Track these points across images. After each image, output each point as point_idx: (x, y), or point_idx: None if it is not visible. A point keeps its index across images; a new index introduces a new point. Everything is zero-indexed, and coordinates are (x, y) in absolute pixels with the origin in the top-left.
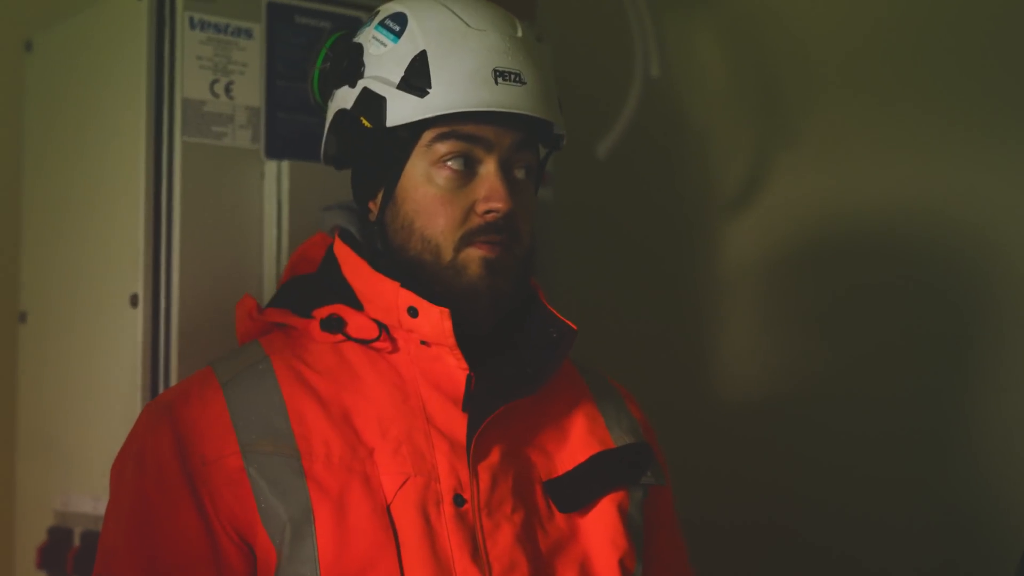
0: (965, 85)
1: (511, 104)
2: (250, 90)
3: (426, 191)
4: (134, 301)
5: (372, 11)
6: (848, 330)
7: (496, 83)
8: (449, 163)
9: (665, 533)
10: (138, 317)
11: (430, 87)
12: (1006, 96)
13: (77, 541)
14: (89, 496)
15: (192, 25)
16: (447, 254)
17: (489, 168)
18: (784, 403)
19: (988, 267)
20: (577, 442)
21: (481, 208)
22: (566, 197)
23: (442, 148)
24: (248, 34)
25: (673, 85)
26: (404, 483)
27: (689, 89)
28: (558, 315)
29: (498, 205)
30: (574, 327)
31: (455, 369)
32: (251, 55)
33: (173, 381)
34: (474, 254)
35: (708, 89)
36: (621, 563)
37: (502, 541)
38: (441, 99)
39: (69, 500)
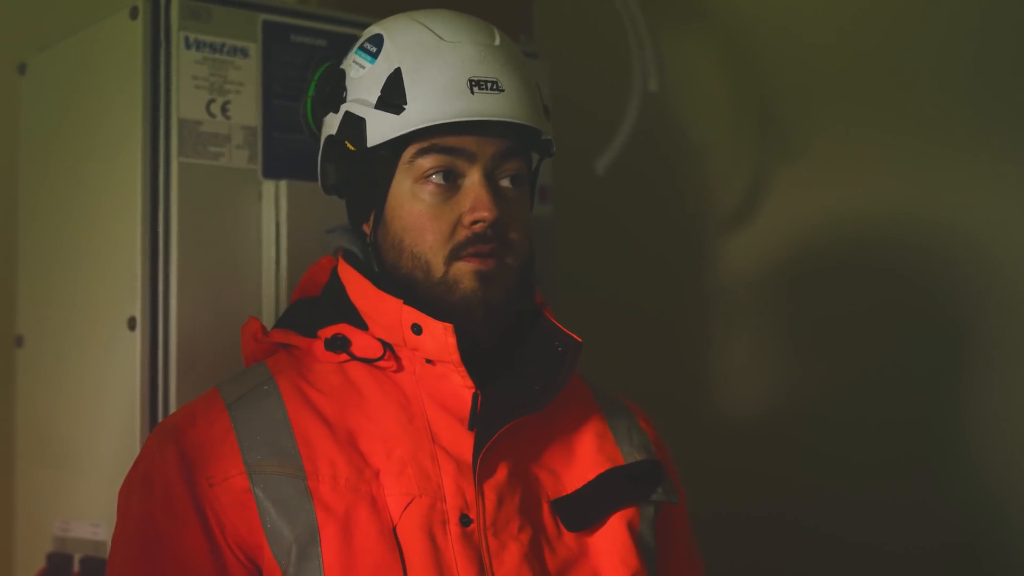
0: (964, 98)
1: (488, 112)
2: (247, 110)
3: (412, 208)
4: (132, 324)
5: (365, 29)
6: (847, 343)
7: (472, 92)
8: (432, 178)
9: (680, 550)
10: (136, 340)
11: (406, 103)
12: (1005, 109)
13: (77, 567)
14: (89, 522)
15: (187, 45)
16: (438, 270)
17: (473, 179)
18: (783, 414)
19: (988, 280)
20: (585, 459)
21: (467, 219)
22: (566, 212)
23: (425, 163)
24: (244, 53)
25: (672, 100)
26: (409, 504)
27: (688, 104)
28: (561, 328)
29: (483, 214)
30: (579, 339)
31: (460, 387)
32: (247, 74)
33: (172, 404)
34: (465, 268)
35: (707, 104)
36: None
37: (509, 561)
38: (417, 114)
39: (69, 526)
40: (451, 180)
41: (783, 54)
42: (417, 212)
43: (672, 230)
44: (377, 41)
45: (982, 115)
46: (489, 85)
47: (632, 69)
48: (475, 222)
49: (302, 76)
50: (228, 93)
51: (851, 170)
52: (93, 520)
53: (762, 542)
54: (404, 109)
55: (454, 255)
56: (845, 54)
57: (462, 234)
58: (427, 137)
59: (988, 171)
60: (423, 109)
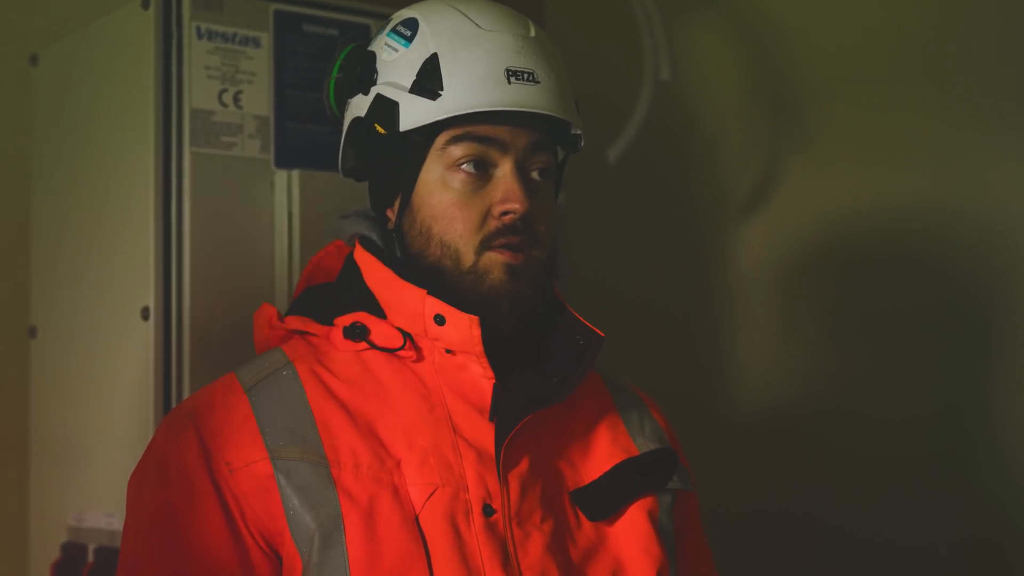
0: (980, 83)
1: (525, 103)
2: (259, 99)
3: (442, 196)
4: (145, 314)
5: (379, 18)
6: (864, 335)
7: (509, 83)
8: (464, 166)
9: (691, 538)
10: (149, 330)
11: (442, 89)
12: (1023, 92)
13: (91, 557)
14: (103, 512)
15: (199, 35)
16: (467, 259)
17: (505, 170)
18: (799, 405)
19: (1009, 268)
20: (601, 451)
21: (498, 210)
22: (578, 202)
23: (457, 151)
24: (256, 43)
25: (684, 88)
26: (432, 494)
27: (700, 92)
28: (584, 322)
29: (515, 206)
30: (601, 334)
31: (480, 378)
32: (259, 64)
33: (185, 393)
34: (496, 259)
35: (719, 92)
36: (659, 574)
37: (533, 551)
38: (454, 100)
39: (83, 516)
40: (483, 169)
41: (796, 40)
42: (448, 200)
43: (684, 220)
44: (412, 25)
45: (1002, 101)
46: (526, 76)
47: (644, 58)
48: (505, 213)
49: (314, 66)
50: (240, 83)
51: (866, 159)
52: (107, 510)
53: (776, 538)
54: (440, 95)
55: (484, 245)
56: (859, 40)
57: (492, 225)
58: (461, 125)
59: (1008, 155)
60: (460, 96)
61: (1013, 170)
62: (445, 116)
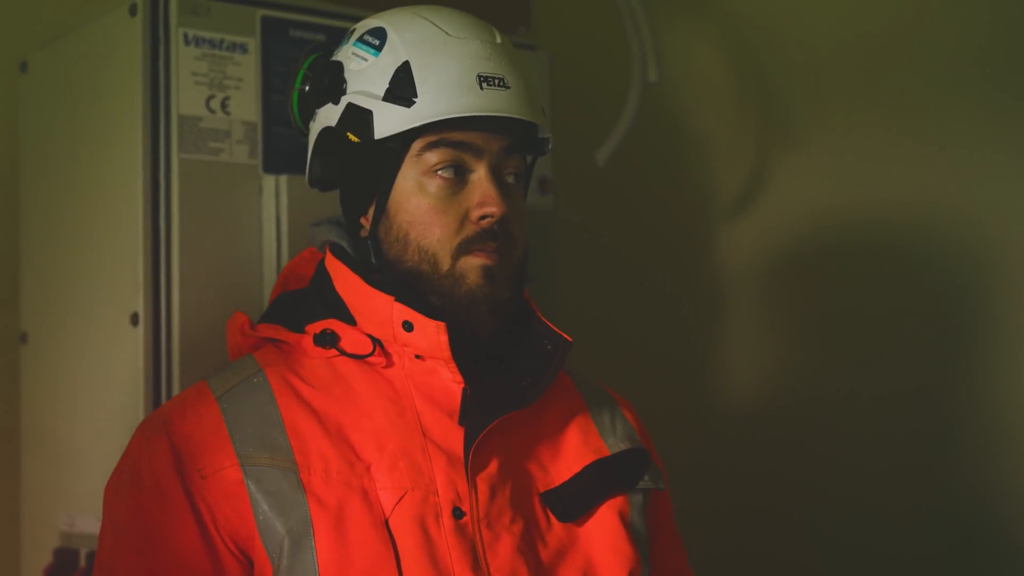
0: (968, 83)
1: (498, 108)
2: (246, 105)
3: (419, 201)
4: (134, 320)
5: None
6: (851, 332)
7: (481, 88)
8: (440, 172)
9: (665, 536)
10: (139, 335)
11: (416, 96)
12: (1010, 93)
13: (83, 562)
14: (94, 516)
15: (187, 41)
16: (445, 263)
17: (480, 174)
18: (785, 405)
19: (994, 266)
20: (571, 453)
21: (475, 214)
22: (566, 204)
23: (432, 157)
24: (243, 49)
25: (672, 90)
26: (402, 497)
27: (688, 93)
28: (552, 327)
29: (492, 209)
30: (568, 339)
31: (450, 382)
32: (246, 70)
33: None
34: (472, 262)
35: (707, 93)
36: (631, 574)
37: (502, 552)
38: (428, 107)
39: (74, 521)
40: (459, 175)
41: (783, 40)
42: (424, 206)
43: (672, 220)
44: (379, 34)
45: (989, 97)
46: (496, 81)
47: (631, 59)
48: (483, 217)
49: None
50: (228, 89)
51: (853, 157)
52: (98, 515)
53: (759, 537)
54: (414, 102)
55: (461, 249)
56: (848, 39)
57: (470, 229)
58: (436, 131)
59: (994, 155)
60: (434, 103)
61: (1001, 166)
62: (421, 123)
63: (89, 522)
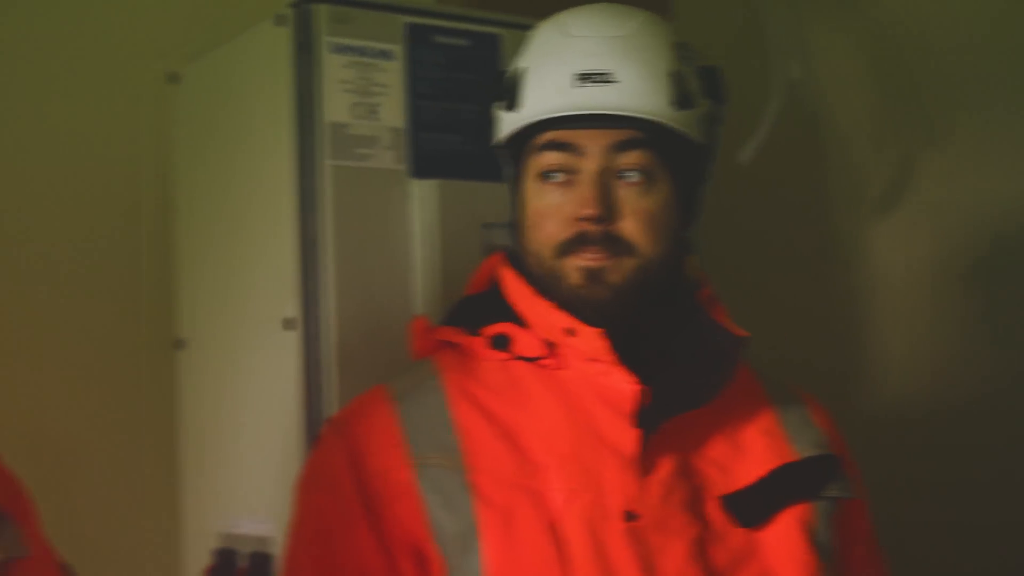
0: None
1: (586, 105)
2: (393, 111)
3: (534, 204)
4: (288, 324)
5: (508, 27)
6: (1007, 335)
7: (577, 86)
8: (548, 174)
9: (861, 549)
10: (293, 340)
11: (522, 101)
12: None
13: (242, 563)
14: (253, 519)
15: (333, 49)
16: (548, 264)
17: (583, 174)
18: (940, 411)
19: None
20: (755, 454)
21: (576, 216)
22: (707, 203)
23: (541, 160)
24: (388, 56)
25: (814, 87)
26: (572, 499)
27: (830, 90)
28: (724, 323)
29: (588, 211)
30: (743, 333)
31: (623, 383)
32: (392, 76)
33: (331, 403)
34: (572, 263)
35: (850, 90)
36: None
37: (674, 557)
38: (527, 111)
39: (234, 524)
40: (567, 176)
41: (928, 37)
42: (536, 209)
43: (816, 220)
44: (525, 41)
45: None
46: (598, 77)
47: (772, 57)
48: (582, 218)
49: (446, 76)
50: (374, 95)
51: (1003, 155)
52: (257, 517)
53: (922, 545)
54: (519, 107)
55: (563, 250)
56: (993, 34)
57: (571, 230)
58: (540, 134)
59: None
60: (531, 106)
61: None
62: (518, 126)
63: (248, 524)
